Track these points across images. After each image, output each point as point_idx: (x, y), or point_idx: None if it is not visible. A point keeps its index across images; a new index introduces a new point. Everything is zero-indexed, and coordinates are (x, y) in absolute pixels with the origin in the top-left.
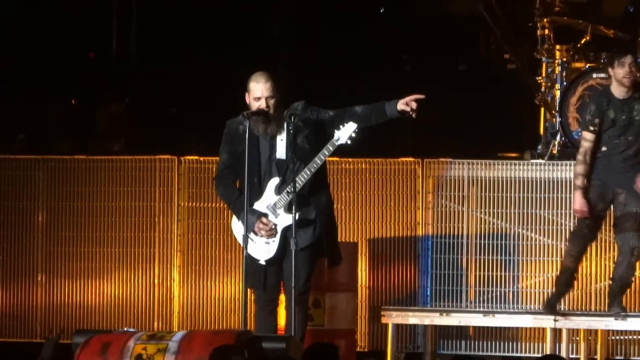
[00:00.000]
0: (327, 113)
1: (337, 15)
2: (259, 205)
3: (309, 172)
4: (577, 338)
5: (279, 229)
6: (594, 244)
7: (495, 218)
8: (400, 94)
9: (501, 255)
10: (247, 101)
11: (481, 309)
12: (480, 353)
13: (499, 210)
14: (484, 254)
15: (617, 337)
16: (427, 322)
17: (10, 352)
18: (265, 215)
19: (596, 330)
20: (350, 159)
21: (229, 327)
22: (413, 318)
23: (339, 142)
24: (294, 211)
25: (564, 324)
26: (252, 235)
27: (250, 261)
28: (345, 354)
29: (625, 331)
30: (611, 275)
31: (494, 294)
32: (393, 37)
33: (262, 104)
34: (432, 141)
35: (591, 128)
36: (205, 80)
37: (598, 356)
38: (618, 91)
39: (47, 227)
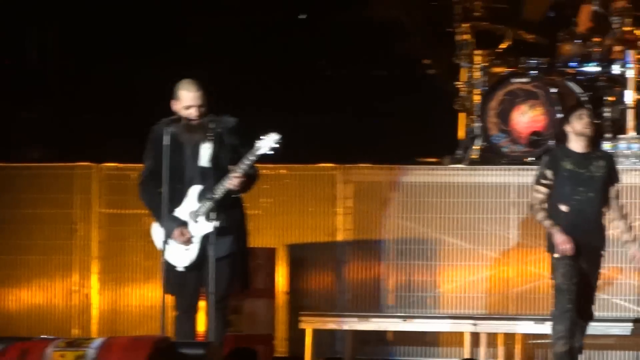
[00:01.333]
0: (239, 142)
1: (254, 22)
2: (180, 212)
3: (225, 185)
4: (496, 342)
5: (199, 236)
6: (515, 249)
7: (414, 223)
8: (320, 100)
9: (421, 260)
10: (175, 108)
11: (400, 314)
12: (400, 358)
13: (418, 215)
14: (404, 259)
15: (536, 341)
16: (345, 327)
17: None
18: (185, 223)
19: (514, 335)
20: (269, 165)
21: (148, 334)
22: (331, 323)
23: (260, 152)
24: (213, 219)
25: (483, 328)
26: (171, 241)
27: (169, 267)
28: (263, 359)
29: (544, 335)
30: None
31: (413, 299)
32: (312, 43)
33: (192, 112)
34: (352, 147)
35: (543, 182)
36: (124, 86)
37: None
38: (577, 146)
39: None
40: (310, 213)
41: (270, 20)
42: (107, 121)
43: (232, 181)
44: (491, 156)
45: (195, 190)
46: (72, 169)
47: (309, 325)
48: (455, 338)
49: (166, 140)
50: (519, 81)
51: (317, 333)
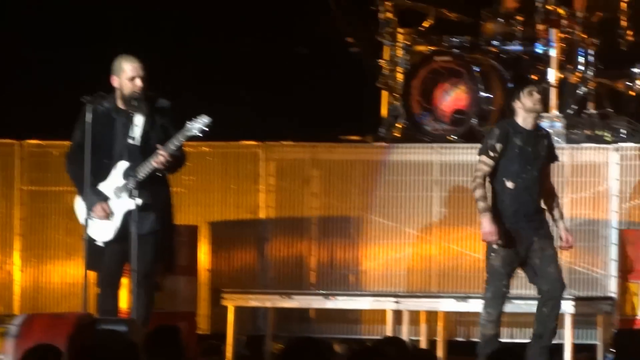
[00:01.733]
0: (170, 124)
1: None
2: (105, 186)
3: (151, 163)
4: (418, 320)
5: (121, 212)
6: (437, 227)
7: (337, 201)
8: (242, 77)
9: (343, 237)
10: (116, 83)
11: (323, 292)
12: (323, 335)
13: (341, 193)
14: (326, 237)
15: (459, 319)
16: (268, 304)
17: None
18: (107, 198)
19: (437, 312)
20: (191, 142)
21: (70, 311)
22: (254, 301)
23: (190, 134)
24: (135, 196)
25: (405, 305)
26: (93, 216)
27: (91, 242)
28: (186, 336)
29: (467, 312)
30: (536, 331)
31: (336, 277)
32: (232, 19)
33: (137, 83)
34: (274, 124)
35: (491, 154)
36: (50, 63)
37: (439, 337)
38: (526, 123)
39: None
40: (233, 191)
41: None
42: (30, 98)
43: (158, 159)
44: (414, 134)
45: (122, 166)
46: None
47: (231, 303)
48: (378, 316)
49: (89, 117)
50: (441, 59)
51: (239, 310)
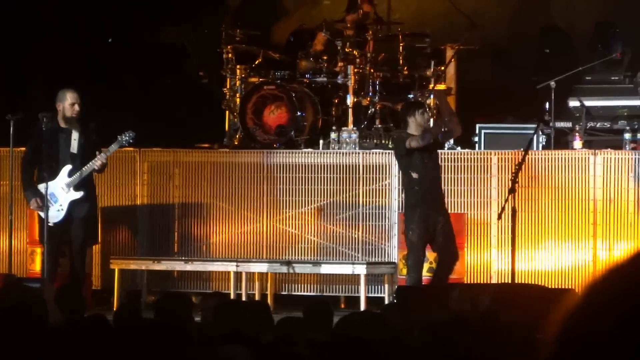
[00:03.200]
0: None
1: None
2: (54, 183)
3: (93, 165)
4: (254, 279)
5: (67, 202)
6: (266, 210)
7: (193, 191)
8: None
9: (198, 218)
10: (60, 107)
11: (183, 258)
12: (184, 290)
13: (196, 186)
14: (186, 218)
15: (282, 278)
16: (143, 267)
17: None
18: (41, 194)
19: (267, 274)
20: None
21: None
22: (133, 264)
23: (120, 145)
24: (79, 189)
25: (243, 268)
26: (49, 205)
27: (43, 223)
28: (84, 292)
29: (289, 274)
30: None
31: (193, 247)
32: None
33: (76, 108)
34: (148, 135)
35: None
36: None
37: (268, 292)
38: (415, 132)
39: None
40: (117, 184)
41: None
42: None
43: (97, 163)
44: (248, 143)
45: (66, 169)
46: None
47: (116, 266)
48: (224, 275)
49: (48, 132)
50: (268, 88)
51: (122, 272)
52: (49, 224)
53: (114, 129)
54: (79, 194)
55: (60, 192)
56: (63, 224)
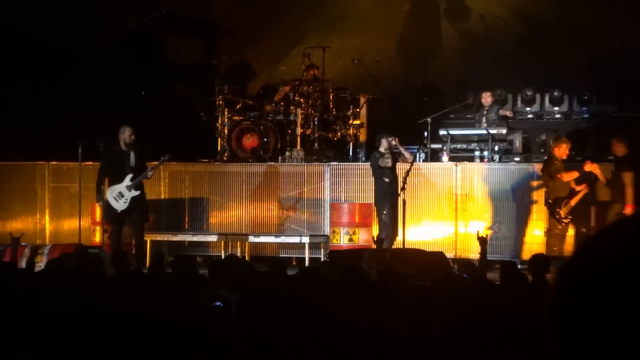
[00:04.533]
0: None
1: None
2: (121, 186)
3: (146, 174)
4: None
5: (130, 198)
6: (246, 201)
7: (197, 190)
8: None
9: (200, 207)
10: (121, 137)
11: (191, 232)
12: (195, 254)
13: (199, 186)
14: (194, 207)
15: (255, 245)
16: (165, 239)
17: None
18: (103, 198)
19: (245, 242)
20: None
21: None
22: (159, 237)
23: (162, 163)
24: (138, 190)
25: (230, 239)
26: (113, 200)
27: (112, 209)
28: (130, 255)
29: (260, 243)
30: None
31: (198, 225)
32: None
33: (132, 138)
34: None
35: (382, 161)
36: None
37: (246, 254)
38: (384, 150)
39: None
40: (147, 185)
41: None
42: None
43: (149, 174)
44: (233, 158)
45: (129, 176)
46: None
47: (148, 238)
48: (218, 244)
49: (117, 153)
50: (245, 123)
51: (152, 242)
52: (117, 211)
53: (152, 151)
54: (137, 193)
55: (125, 191)
56: (126, 211)
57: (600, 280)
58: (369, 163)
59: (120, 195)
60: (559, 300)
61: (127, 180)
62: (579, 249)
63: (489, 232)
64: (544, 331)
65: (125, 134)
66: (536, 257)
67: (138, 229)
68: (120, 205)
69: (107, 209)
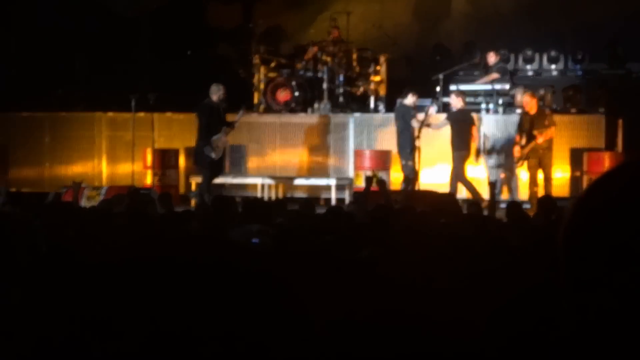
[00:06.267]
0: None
1: None
2: (217, 138)
3: (233, 127)
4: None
5: (223, 147)
6: (271, 152)
7: (239, 138)
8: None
9: (240, 153)
10: (217, 95)
11: (231, 175)
12: (234, 195)
13: (241, 135)
14: (235, 153)
15: (288, 187)
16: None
17: None
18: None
19: (279, 184)
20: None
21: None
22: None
23: (241, 116)
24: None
25: (266, 181)
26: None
27: (209, 158)
28: (174, 196)
29: (291, 185)
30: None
31: (237, 169)
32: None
33: (225, 95)
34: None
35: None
36: None
37: (280, 195)
38: (409, 103)
39: None
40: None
41: None
42: None
43: (235, 125)
44: (269, 110)
45: (223, 129)
46: None
47: (193, 181)
48: (254, 186)
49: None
50: (279, 79)
51: (197, 184)
52: (215, 160)
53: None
54: (227, 143)
55: (221, 141)
56: (220, 159)
57: (614, 216)
58: (393, 114)
59: (217, 146)
60: (573, 234)
61: (223, 132)
62: (595, 183)
63: (503, 175)
64: (557, 265)
65: (221, 92)
66: (544, 199)
67: (221, 172)
68: (217, 154)
69: (204, 157)
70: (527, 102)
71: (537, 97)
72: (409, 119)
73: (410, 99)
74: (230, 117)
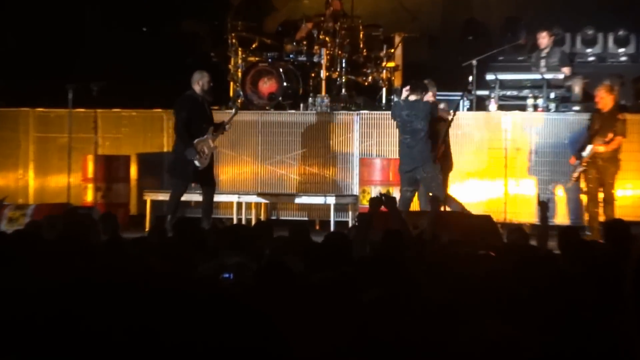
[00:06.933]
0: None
1: None
2: (203, 140)
3: (224, 128)
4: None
5: (210, 153)
6: (259, 154)
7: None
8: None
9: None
10: (200, 84)
11: (198, 191)
12: (198, 216)
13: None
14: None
15: (272, 206)
16: (168, 198)
17: None
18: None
19: (261, 203)
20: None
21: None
22: (161, 196)
23: (233, 116)
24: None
25: (243, 199)
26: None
27: (191, 166)
28: (122, 217)
29: (277, 203)
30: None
31: None
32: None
33: (211, 85)
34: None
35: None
36: None
37: (261, 217)
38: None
39: None
40: (149, 137)
41: None
42: None
43: (226, 127)
44: (247, 105)
45: (210, 129)
46: None
47: (148, 197)
48: (229, 205)
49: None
50: (262, 65)
51: (153, 202)
52: (198, 168)
53: (154, 99)
54: (215, 148)
55: (208, 146)
56: (205, 169)
57: None
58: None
59: (202, 151)
60: None
61: (210, 134)
62: None
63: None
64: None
65: (204, 80)
66: (613, 223)
67: (212, 187)
68: (202, 162)
69: (184, 165)
70: (602, 97)
71: (615, 93)
72: (433, 120)
73: (430, 94)
74: (217, 117)
